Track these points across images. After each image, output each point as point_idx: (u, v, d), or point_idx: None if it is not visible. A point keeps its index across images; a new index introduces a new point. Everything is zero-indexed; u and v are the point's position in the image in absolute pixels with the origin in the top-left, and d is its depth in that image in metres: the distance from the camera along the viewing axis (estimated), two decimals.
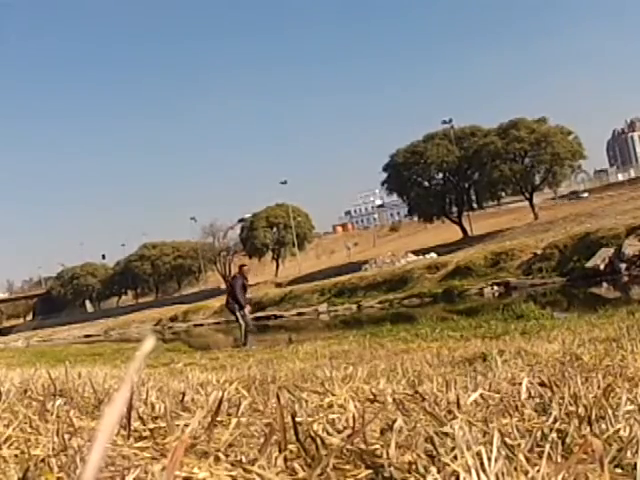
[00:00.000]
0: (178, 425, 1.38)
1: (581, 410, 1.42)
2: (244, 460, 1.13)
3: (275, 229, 77.92)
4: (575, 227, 40.48)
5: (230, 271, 78.85)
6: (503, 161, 54.80)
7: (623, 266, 29.14)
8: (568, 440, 1.19)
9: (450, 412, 1.47)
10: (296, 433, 1.19)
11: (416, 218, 68.09)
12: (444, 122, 63.33)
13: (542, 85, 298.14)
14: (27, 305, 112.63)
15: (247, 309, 13.46)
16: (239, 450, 1.21)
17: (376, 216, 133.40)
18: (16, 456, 1.24)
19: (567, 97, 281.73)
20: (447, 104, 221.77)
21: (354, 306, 38.15)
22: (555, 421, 1.34)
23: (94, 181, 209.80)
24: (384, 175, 64.11)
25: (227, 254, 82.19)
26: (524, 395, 1.70)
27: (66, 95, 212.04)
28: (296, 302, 44.08)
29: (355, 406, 1.54)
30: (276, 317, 40.01)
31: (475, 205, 62.29)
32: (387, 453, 1.12)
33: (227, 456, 1.16)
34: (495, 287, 33.04)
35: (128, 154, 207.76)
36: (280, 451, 1.15)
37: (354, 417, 1.38)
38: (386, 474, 1.06)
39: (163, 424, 1.41)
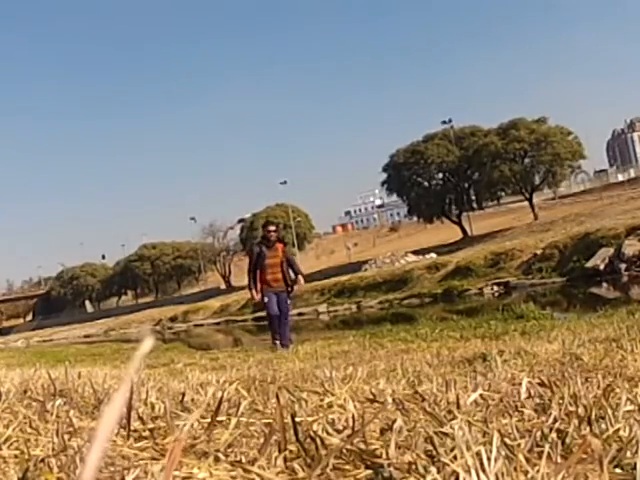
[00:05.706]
0: (178, 425, 1.38)
1: (581, 410, 1.42)
2: (244, 460, 1.13)
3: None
4: (575, 227, 40.44)
5: (230, 271, 78.68)
6: (503, 161, 54.75)
7: (623, 266, 29.15)
8: (568, 440, 1.19)
9: (450, 412, 1.47)
10: (296, 433, 1.19)
11: (416, 218, 68.08)
12: (444, 122, 63.25)
13: (542, 85, 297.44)
14: (27, 305, 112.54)
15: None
16: (239, 450, 1.21)
17: (376, 216, 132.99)
18: (16, 456, 1.24)
19: (567, 97, 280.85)
20: (447, 104, 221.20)
21: (354, 306, 38.14)
22: (555, 421, 1.34)
23: (94, 181, 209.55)
24: (384, 175, 64.04)
25: (227, 254, 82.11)
26: (524, 395, 1.70)
27: (65, 95, 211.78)
28: (296, 302, 44.04)
29: (355, 406, 1.54)
30: None
31: (475, 205, 62.27)
32: (387, 453, 1.12)
33: (227, 456, 1.16)
34: (495, 287, 33.03)
35: (128, 154, 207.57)
36: (280, 451, 1.15)
37: (354, 417, 1.38)
38: (386, 474, 1.06)
39: (163, 424, 1.41)
